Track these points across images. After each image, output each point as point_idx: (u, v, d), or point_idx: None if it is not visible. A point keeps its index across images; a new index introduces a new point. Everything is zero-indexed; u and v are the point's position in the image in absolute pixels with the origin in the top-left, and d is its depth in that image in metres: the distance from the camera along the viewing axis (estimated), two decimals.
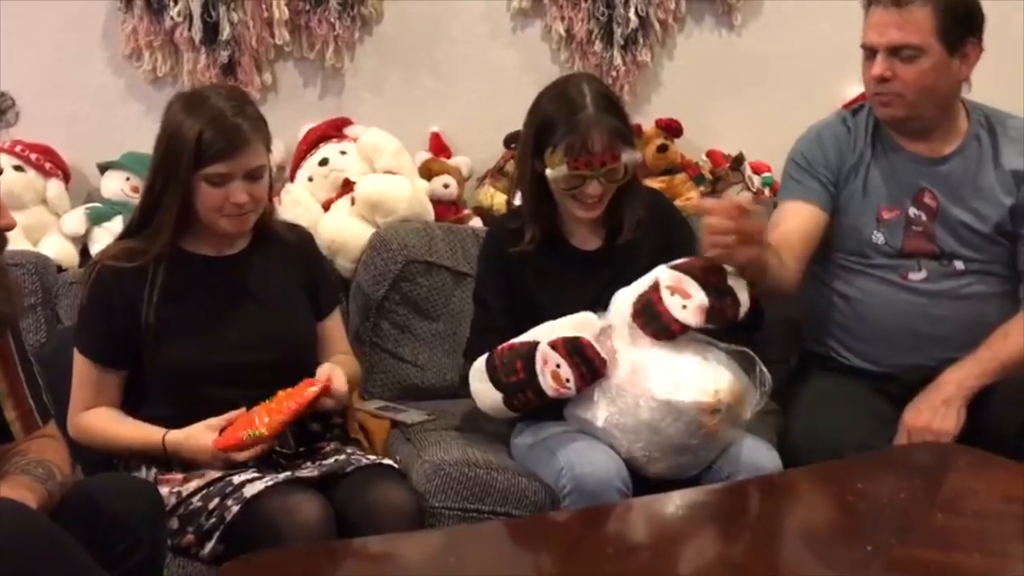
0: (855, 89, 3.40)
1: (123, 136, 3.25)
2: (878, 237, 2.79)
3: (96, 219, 3.15)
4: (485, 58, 3.49)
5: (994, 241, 2.79)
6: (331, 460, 2.48)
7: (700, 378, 2.43)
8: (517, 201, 2.81)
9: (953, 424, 2.61)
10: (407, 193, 3.21)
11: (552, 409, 2.57)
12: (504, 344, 2.53)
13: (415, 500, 2.44)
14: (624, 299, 2.51)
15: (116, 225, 3.07)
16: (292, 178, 3.32)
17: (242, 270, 2.59)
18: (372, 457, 2.51)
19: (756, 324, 2.56)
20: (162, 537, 2.19)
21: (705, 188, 3.53)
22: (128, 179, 3.19)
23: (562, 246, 2.73)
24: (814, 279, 2.89)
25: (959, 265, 2.78)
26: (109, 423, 2.49)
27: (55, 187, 3.16)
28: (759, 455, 2.53)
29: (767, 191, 3.56)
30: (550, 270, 2.70)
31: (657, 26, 3.53)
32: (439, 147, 3.45)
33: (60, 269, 3.05)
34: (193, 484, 2.42)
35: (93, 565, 1.94)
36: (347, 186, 3.25)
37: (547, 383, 2.46)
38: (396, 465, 2.52)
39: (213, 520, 2.34)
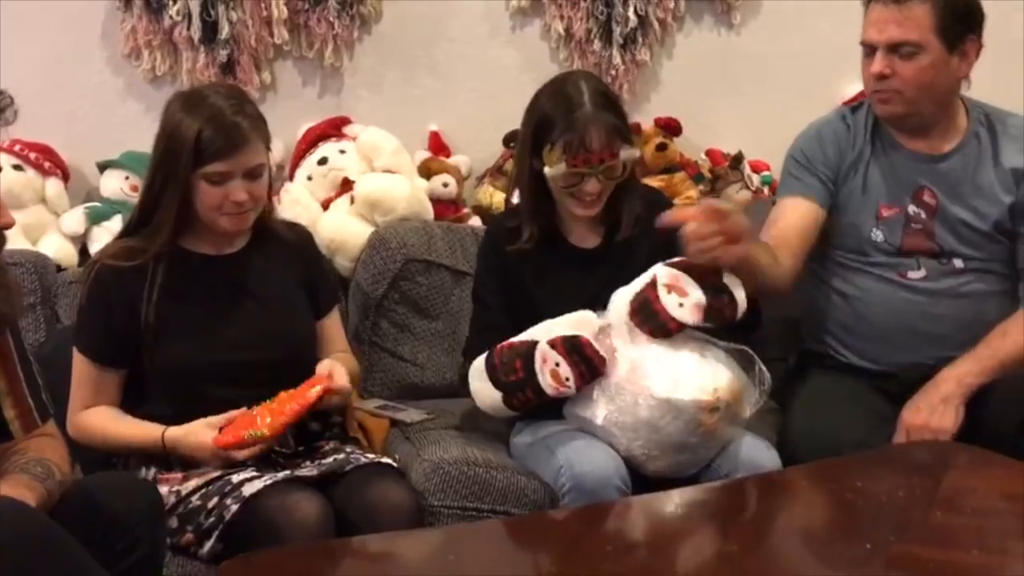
0: (854, 88, 3.40)
1: (122, 135, 3.25)
2: (877, 235, 2.79)
3: (95, 218, 3.15)
4: (484, 57, 3.49)
5: (993, 239, 2.79)
6: (330, 459, 2.48)
7: (699, 376, 2.43)
8: (516, 200, 2.81)
9: (952, 422, 2.61)
10: (406, 192, 3.21)
11: (551, 408, 2.57)
12: (503, 343, 2.53)
13: (414, 499, 2.43)
14: (622, 298, 2.51)
15: (115, 224, 3.07)
16: (291, 177, 3.32)
17: (241, 269, 2.59)
18: (371, 456, 2.51)
19: (754, 324, 2.56)
20: (161, 536, 2.19)
21: (704, 187, 3.53)
22: (127, 178, 3.19)
23: (560, 244, 2.73)
24: (812, 276, 2.89)
25: (958, 263, 2.78)
26: (108, 421, 2.49)
27: (54, 186, 3.16)
28: (758, 453, 2.53)
29: (766, 190, 3.56)
30: (548, 268, 2.70)
31: (656, 25, 3.54)
32: (438, 146, 3.45)
33: (59, 268, 3.05)
34: (192, 483, 2.42)
35: (92, 564, 1.94)
36: (346, 185, 3.25)
37: (546, 382, 2.46)
38: (395, 464, 2.52)
39: (212, 519, 2.34)
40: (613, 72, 3.50)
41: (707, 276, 2.45)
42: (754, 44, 3.64)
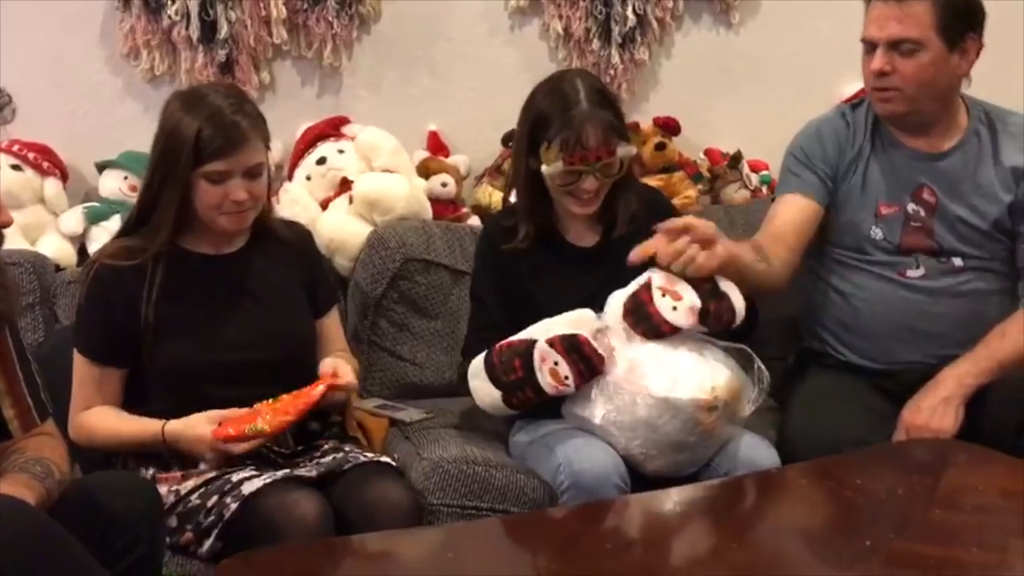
0: (852, 87, 3.41)
1: (121, 135, 3.24)
2: (876, 233, 2.79)
3: (94, 218, 3.14)
4: (483, 57, 3.49)
5: (993, 238, 2.79)
6: (329, 458, 2.48)
7: (697, 375, 2.43)
8: (513, 198, 2.81)
9: (951, 423, 2.60)
10: (405, 191, 3.21)
11: (551, 407, 2.57)
12: (502, 342, 2.53)
13: (413, 497, 2.43)
14: (618, 300, 2.51)
15: (114, 224, 3.07)
16: (290, 177, 3.32)
17: (241, 268, 2.59)
18: (369, 455, 2.51)
19: (751, 328, 2.55)
20: (161, 535, 2.18)
21: (703, 186, 3.53)
22: (126, 178, 3.19)
23: (558, 243, 2.73)
24: (810, 273, 2.89)
25: (957, 262, 2.78)
26: (110, 420, 2.49)
27: (53, 186, 3.15)
28: (757, 452, 2.53)
29: (765, 189, 3.57)
30: (546, 267, 2.70)
31: (655, 24, 3.54)
32: (437, 146, 3.45)
33: (58, 268, 3.04)
34: (191, 482, 2.42)
35: (92, 562, 1.94)
36: (345, 185, 3.25)
37: (546, 381, 2.46)
38: (394, 463, 2.52)
39: (212, 518, 2.34)
40: (612, 71, 3.50)
41: (702, 282, 2.46)
42: (753, 43, 3.64)
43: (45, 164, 3.15)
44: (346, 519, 2.33)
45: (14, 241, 2.91)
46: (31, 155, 3.14)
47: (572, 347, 2.43)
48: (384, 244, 3.13)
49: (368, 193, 3.19)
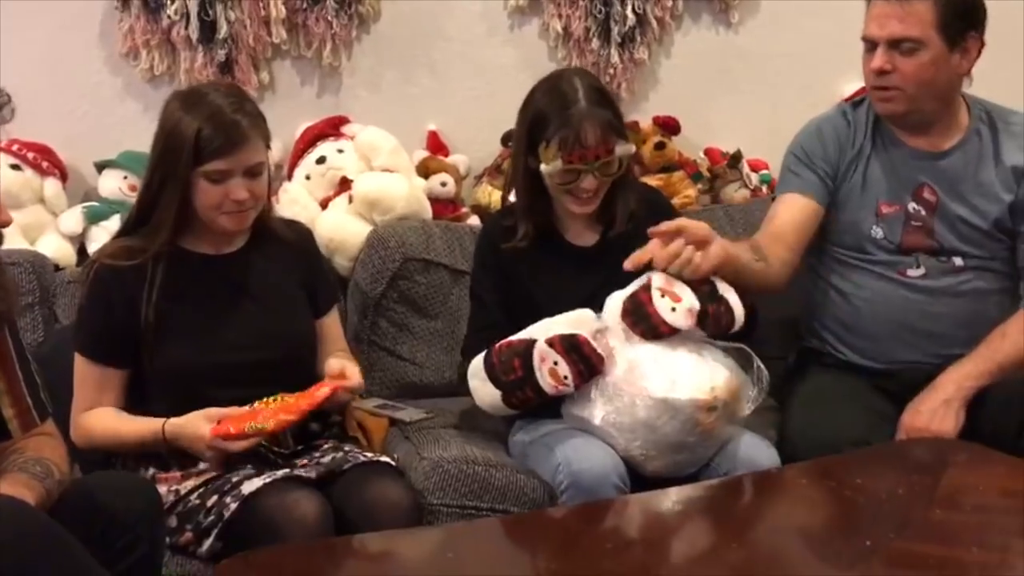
0: (852, 86, 3.41)
1: (120, 135, 3.24)
2: (877, 232, 2.79)
3: (93, 218, 3.14)
4: (482, 56, 3.49)
5: (993, 237, 2.78)
6: (328, 458, 2.47)
7: (696, 376, 2.43)
8: (512, 198, 2.81)
9: (952, 425, 2.60)
10: (405, 191, 3.21)
11: (551, 407, 2.57)
12: (502, 342, 2.53)
13: (412, 497, 2.43)
14: (617, 301, 2.51)
15: (113, 224, 3.07)
16: (290, 176, 3.32)
17: (241, 269, 2.59)
18: (369, 454, 2.51)
19: (749, 331, 2.55)
20: (160, 535, 2.18)
21: (703, 186, 3.53)
22: (125, 178, 3.18)
23: (557, 242, 2.73)
24: (810, 272, 2.89)
25: (958, 261, 2.78)
26: (109, 421, 2.48)
27: (52, 186, 3.15)
28: (757, 452, 2.53)
29: (764, 188, 3.57)
30: (545, 266, 2.70)
31: (654, 24, 3.54)
32: (436, 145, 3.45)
33: (57, 268, 3.04)
34: (191, 482, 2.42)
35: (92, 563, 1.94)
36: (345, 184, 3.25)
37: (545, 381, 2.46)
38: (393, 463, 2.51)
39: (211, 518, 2.33)
40: (611, 71, 3.50)
41: (700, 285, 2.46)
42: (752, 43, 3.64)
43: (44, 164, 3.15)
44: (346, 519, 2.33)
45: (13, 241, 2.90)
46: (30, 155, 3.13)
47: (571, 347, 2.43)
48: (384, 244, 3.13)
49: (368, 193, 3.19)
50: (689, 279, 2.46)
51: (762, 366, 2.48)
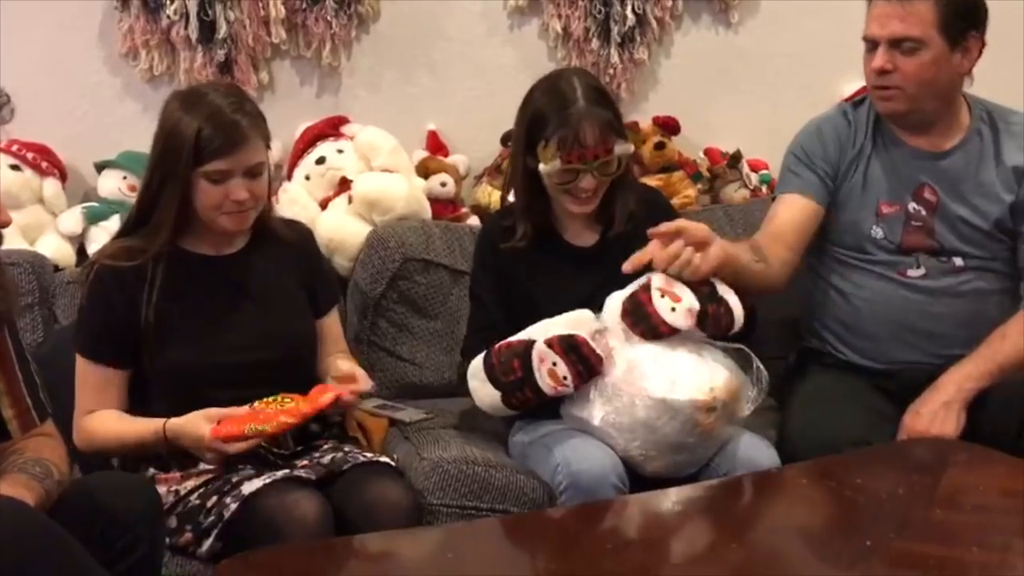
0: (852, 86, 3.41)
1: (120, 135, 3.24)
2: (877, 232, 2.79)
3: (93, 218, 3.14)
4: (482, 56, 3.49)
5: (994, 237, 2.78)
6: (328, 458, 2.47)
7: (696, 376, 2.43)
8: (511, 198, 2.81)
9: (953, 427, 2.60)
10: (404, 191, 3.21)
11: (551, 408, 2.57)
12: (501, 343, 2.53)
13: (412, 497, 2.43)
14: (617, 301, 2.51)
15: (113, 224, 3.07)
16: (289, 177, 3.32)
17: (241, 269, 2.58)
18: (369, 455, 2.51)
19: (748, 332, 2.55)
20: (160, 535, 2.18)
21: (703, 186, 3.53)
22: (125, 178, 3.18)
23: (556, 242, 2.73)
24: (811, 272, 2.89)
25: (958, 261, 2.78)
26: (110, 423, 2.46)
27: (52, 186, 3.15)
28: (756, 452, 2.53)
29: (764, 188, 3.57)
30: (544, 266, 2.70)
31: (654, 24, 3.54)
32: (436, 145, 3.45)
33: (57, 268, 3.04)
34: (191, 483, 2.42)
35: (92, 563, 1.94)
36: (344, 184, 3.25)
37: (544, 381, 2.46)
38: (393, 463, 2.51)
39: (211, 518, 2.33)
40: (611, 71, 3.50)
41: (700, 286, 2.46)
42: (752, 43, 3.64)
43: (44, 164, 3.15)
44: (346, 519, 2.33)
45: (13, 241, 2.90)
46: (30, 155, 3.13)
47: (570, 348, 2.43)
48: (383, 244, 3.13)
49: (367, 193, 3.19)
50: (689, 280, 2.46)
51: (761, 367, 2.48)
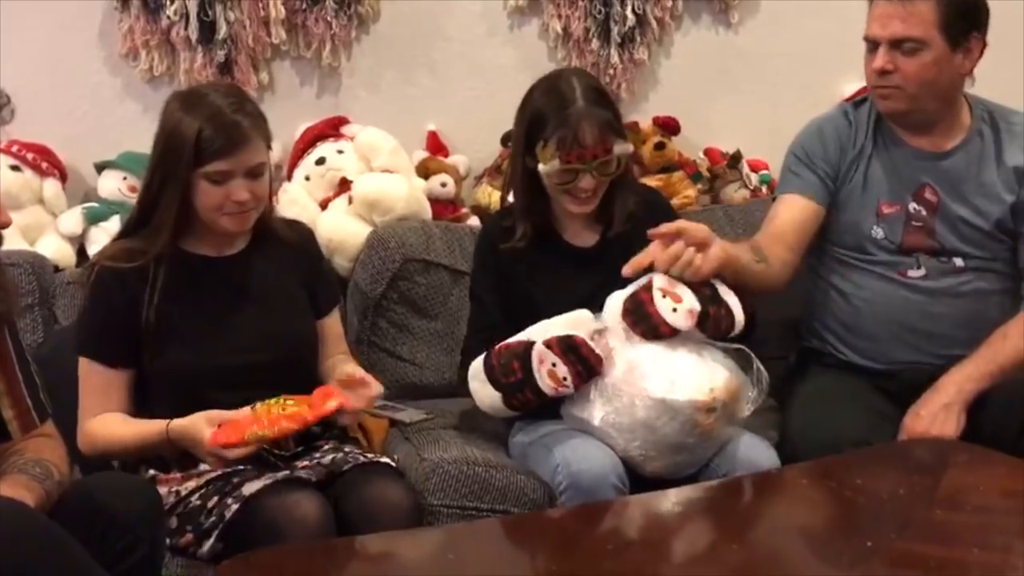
0: (852, 87, 3.41)
1: (120, 136, 3.24)
2: (878, 232, 2.79)
3: (93, 219, 3.14)
4: (482, 56, 3.49)
5: (995, 238, 2.78)
6: (329, 459, 2.47)
7: (696, 376, 2.43)
8: (511, 198, 2.81)
9: (953, 429, 2.60)
10: (404, 192, 3.21)
11: (551, 408, 2.57)
12: (501, 344, 2.53)
13: (412, 498, 2.43)
14: (617, 301, 2.51)
15: (113, 225, 3.07)
16: (289, 177, 3.32)
17: (242, 270, 2.58)
18: (369, 455, 2.51)
19: (748, 334, 2.55)
20: (161, 536, 2.18)
21: (703, 186, 3.53)
22: (125, 179, 3.18)
23: (556, 242, 2.73)
24: (811, 272, 2.89)
25: (959, 262, 2.78)
26: (113, 426, 2.45)
27: (52, 187, 3.15)
28: (757, 452, 2.53)
29: (764, 189, 3.57)
30: (543, 266, 2.70)
31: (654, 24, 3.54)
32: (436, 146, 3.45)
33: (57, 269, 3.04)
34: (191, 483, 2.41)
35: (92, 564, 1.94)
36: (344, 185, 3.25)
37: (544, 382, 2.46)
38: (393, 463, 2.51)
39: (212, 519, 2.33)
40: (611, 71, 3.50)
41: (701, 287, 2.46)
42: (752, 43, 3.64)
43: (44, 165, 3.15)
44: (346, 520, 2.33)
45: (13, 242, 2.90)
46: (30, 156, 3.13)
47: (569, 348, 2.43)
48: (384, 244, 3.13)
49: (367, 193, 3.19)
50: (690, 281, 2.46)
51: (762, 367, 2.48)
